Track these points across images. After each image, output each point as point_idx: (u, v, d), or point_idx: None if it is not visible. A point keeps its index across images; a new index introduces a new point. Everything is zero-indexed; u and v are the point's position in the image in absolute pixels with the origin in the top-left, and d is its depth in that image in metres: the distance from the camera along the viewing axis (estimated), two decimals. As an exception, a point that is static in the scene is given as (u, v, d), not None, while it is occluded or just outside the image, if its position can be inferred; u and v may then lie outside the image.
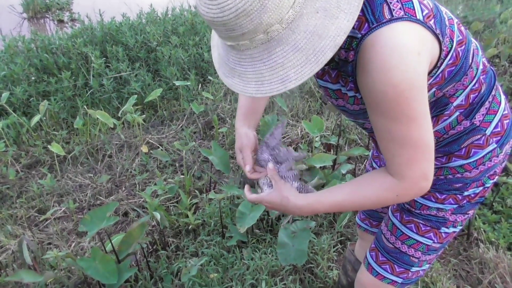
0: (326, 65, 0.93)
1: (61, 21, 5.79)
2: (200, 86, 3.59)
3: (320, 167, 2.29)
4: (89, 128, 3.03)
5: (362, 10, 0.78)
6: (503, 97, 1.04)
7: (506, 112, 1.02)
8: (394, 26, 0.75)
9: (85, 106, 3.21)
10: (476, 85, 0.95)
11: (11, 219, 2.42)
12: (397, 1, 0.77)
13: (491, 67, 1.03)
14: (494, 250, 1.98)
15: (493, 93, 0.99)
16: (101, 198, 2.58)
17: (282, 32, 0.73)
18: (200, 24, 4.13)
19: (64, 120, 3.25)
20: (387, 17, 0.76)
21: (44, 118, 3.14)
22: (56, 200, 2.60)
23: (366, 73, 0.79)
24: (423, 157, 0.84)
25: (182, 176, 2.65)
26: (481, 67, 0.96)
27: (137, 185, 2.64)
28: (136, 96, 2.91)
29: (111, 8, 4.98)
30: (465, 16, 4.55)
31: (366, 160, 2.67)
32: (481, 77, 0.96)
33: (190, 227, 2.22)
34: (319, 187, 2.17)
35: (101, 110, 3.24)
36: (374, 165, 1.39)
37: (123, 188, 2.65)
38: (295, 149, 2.80)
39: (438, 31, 0.81)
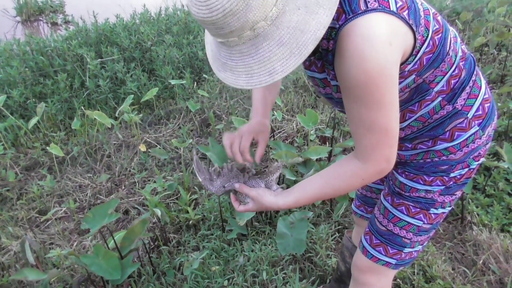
0: (311, 56, 0.99)
1: (54, 24, 5.81)
2: (195, 84, 3.62)
3: (316, 159, 2.33)
4: (87, 129, 3.06)
5: (340, 3, 0.83)
6: (483, 81, 1.09)
7: (486, 96, 1.07)
8: (368, 16, 0.81)
9: (82, 107, 3.23)
10: (456, 71, 1.00)
11: (12, 221, 2.45)
12: None
13: (471, 54, 1.07)
14: (487, 232, 2.03)
15: (473, 78, 1.04)
16: (101, 197, 2.62)
17: (267, 29, 0.79)
18: (193, 23, 4.16)
19: (61, 122, 3.28)
20: (362, 8, 0.81)
21: (42, 120, 3.16)
22: (56, 201, 2.63)
23: (341, 60, 0.84)
24: (387, 143, 0.91)
25: (181, 173, 2.69)
26: (460, 54, 1.01)
27: (137, 184, 2.68)
28: (132, 95, 2.94)
29: (105, 9, 4.99)
30: (454, 7, 4.60)
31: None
32: (461, 63, 1.01)
33: (190, 222, 2.26)
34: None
35: (98, 110, 3.27)
36: None
37: (123, 187, 2.69)
38: (291, 143, 2.84)
39: (411, 21, 0.86)
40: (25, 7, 5.82)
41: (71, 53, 3.59)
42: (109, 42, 3.83)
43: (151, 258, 2.03)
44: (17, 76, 3.34)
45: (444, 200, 1.14)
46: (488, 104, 1.07)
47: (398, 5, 0.84)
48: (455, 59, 0.99)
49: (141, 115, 3.18)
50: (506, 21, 3.80)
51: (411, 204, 1.14)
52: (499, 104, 2.70)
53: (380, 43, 0.80)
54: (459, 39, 1.04)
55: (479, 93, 1.05)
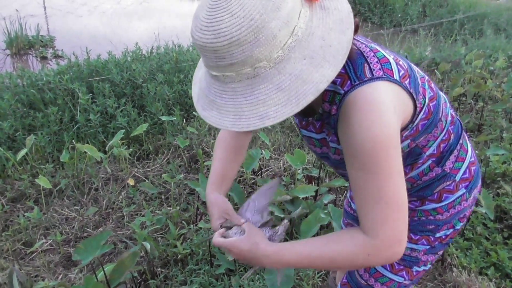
0: (310, 116, 1.00)
1: (44, 58, 5.87)
2: (184, 121, 3.70)
3: (303, 198, 2.40)
4: (76, 162, 3.09)
5: (344, 68, 0.85)
6: (469, 145, 1.14)
7: (472, 159, 1.12)
8: (375, 85, 0.82)
9: (72, 140, 3.26)
10: (446, 136, 1.03)
11: (-3, 252, 2.43)
12: (377, 62, 0.85)
13: (458, 118, 1.13)
14: (466, 274, 2.11)
15: (460, 141, 1.09)
16: (88, 230, 2.62)
17: (268, 71, 0.76)
18: (184, 62, 4.29)
19: (50, 154, 3.29)
20: (368, 76, 0.83)
21: (30, 152, 3.17)
22: (42, 233, 2.61)
23: (347, 127, 0.84)
24: (397, 216, 0.84)
25: (169, 208, 2.72)
26: (449, 118, 1.05)
27: (125, 217, 2.69)
28: (123, 130, 2.99)
29: (95, 46, 5.11)
30: (433, 58, 4.87)
31: (346, 191, 2.80)
32: (450, 128, 1.05)
33: (178, 257, 2.27)
34: (303, 217, 2.28)
35: (88, 144, 3.30)
36: (353, 206, 1.44)
37: (110, 220, 2.70)
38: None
39: (412, 90, 0.89)
40: (15, 41, 5.89)
41: (62, 87, 3.64)
42: (101, 77, 3.91)
43: (139, 292, 2.04)
44: (8, 109, 3.37)
45: (427, 259, 1.16)
46: (474, 167, 1.12)
47: (400, 74, 0.87)
48: (445, 124, 1.03)
49: (130, 149, 3.23)
50: (483, 73, 4.05)
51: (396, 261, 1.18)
52: (476, 152, 2.85)
53: (387, 110, 0.81)
54: (448, 104, 1.08)
55: (466, 156, 1.10)
